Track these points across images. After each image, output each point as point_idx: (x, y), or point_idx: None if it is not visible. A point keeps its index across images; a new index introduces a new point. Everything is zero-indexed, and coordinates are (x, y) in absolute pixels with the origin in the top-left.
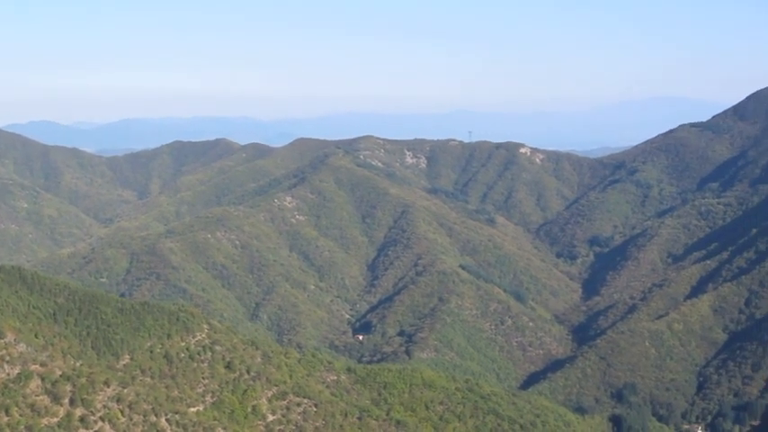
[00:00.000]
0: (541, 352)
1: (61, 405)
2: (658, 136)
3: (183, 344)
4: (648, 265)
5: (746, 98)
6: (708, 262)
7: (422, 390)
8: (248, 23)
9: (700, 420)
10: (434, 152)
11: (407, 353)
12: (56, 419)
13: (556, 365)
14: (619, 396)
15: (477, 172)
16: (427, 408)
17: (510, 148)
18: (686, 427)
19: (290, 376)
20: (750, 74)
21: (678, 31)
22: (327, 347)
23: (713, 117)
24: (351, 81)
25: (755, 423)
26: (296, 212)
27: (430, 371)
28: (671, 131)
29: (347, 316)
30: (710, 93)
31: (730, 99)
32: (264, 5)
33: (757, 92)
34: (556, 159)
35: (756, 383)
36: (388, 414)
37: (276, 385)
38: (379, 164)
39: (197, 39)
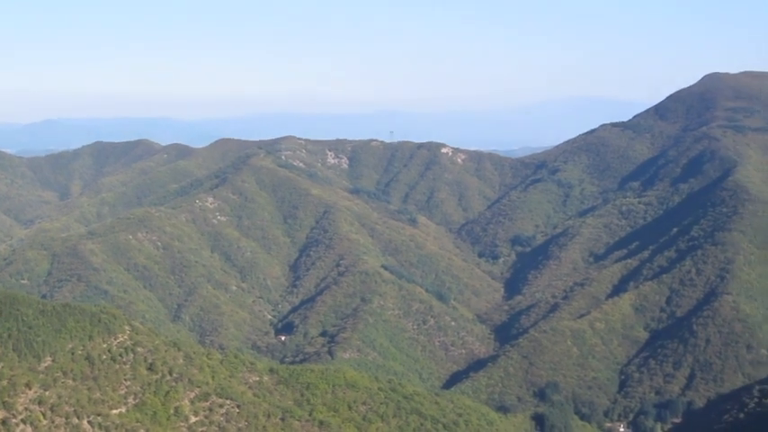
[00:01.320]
0: (464, 351)
1: None
2: (579, 136)
3: (105, 345)
4: (570, 264)
5: (667, 98)
6: (629, 261)
7: (345, 390)
8: (170, 23)
9: (622, 418)
10: (356, 152)
11: (330, 353)
12: None
13: (478, 365)
14: (541, 395)
15: (398, 172)
16: (350, 408)
17: (432, 149)
18: (608, 425)
19: (213, 377)
20: (670, 74)
21: (598, 31)
22: (250, 348)
23: (634, 117)
24: (273, 82)
25: (677, 421)
26: (217, 213)
27: (353, 371)
28: (592, 131)
29: (269, 317)
30: (631, 93)
31: (651, 99)
32: (185, 6)
33: (677, 92)
34: (477, 159)
35: (678, 381)
36: (310, 414)
37: (199, 386)
38: (301, 164)
39: (120, 39)
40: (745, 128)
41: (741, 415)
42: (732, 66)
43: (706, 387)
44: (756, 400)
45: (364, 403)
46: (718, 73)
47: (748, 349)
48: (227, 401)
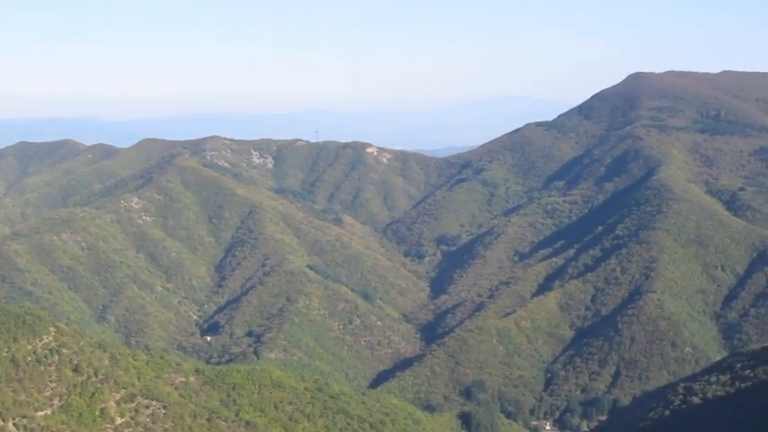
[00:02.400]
0: (390, 351)
1: None
2: (504, 135)
3: (30, 347)
4: (495, 263)
5: (591, 97)
6: (554, 260)
7: (271, 390)
8: (94, 24)
9: (548, 416)
10: (281, 152)
11: (256, 353)
12: None
13: (404, 364)
14: (467, 393)
15: (324, 172)
16: (276, 408)
17: (357, 148)
18: (534, 422)
19: (139, 378)
20: (596, 74)
21: (524, 31)
22: (176, 349)
23: (559, 116)
24: (198, 81)
25: (602, 418)
26: (142, 213)
27: (279, 371)
28: (517, 130)
29: (195, 317)
30: (557, 92)
31: (576, 99)
32: (111, 6)
33: (602, 91)
34: (403, 159)
35: (603, 379)
36: (237, 415)
37: (124, 388)
38: (226, 164)
39: (43, 39)
40: (669, 127)
41: (666, 412)
42: (656, 65)
43: (631, 385)
44: (681, 397)
45: (290, 403)
46: (643, 72)
47: (673, 347)
48: (154, 402)
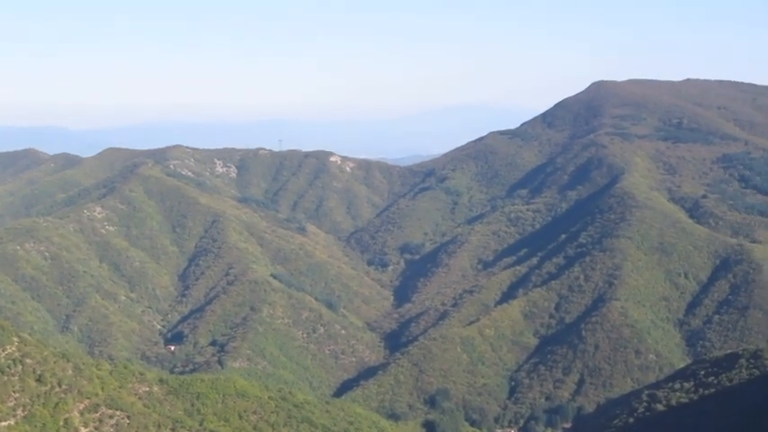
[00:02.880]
0: (354, 359)
1: None
2: (468, 143)
3: None
4: (459, 271)
5: (554, 106)
6: (518, 268)
7: (235, 399)
8: (56, 31)
9: (512, 424)
10: (245, 161)
11: (220, 363)
12: None
13: (369, 373)
14: (432, 402)
15: (287, 181)
16: (241, 417)
17: (320, 157)
18: (499, 430)
19: (102, 388)
20: (559, 82)
21: (483, 40)
22: (139, 359)
23: (522, 125)
24: (161, 90)
25: (567, 425)
26: (106, 223)
27: (243, 380)
28: (480, 139)
29: (159, 326)
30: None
31: (538, 107)
32: (71, 11)
33: (565, 99)
34: (366, 167)
35: (567, 387)
36: (201, 424)
37: (88, 398)
38: (189, 173)
39: (5, 47)
40: (631, 135)
41: (630, 419)
42: (618, 74)
43: (595, 392)
44: (645, 404)
45: (255, 412)
46: (605, 81)
47: (637, 354)
48: (117, 412)
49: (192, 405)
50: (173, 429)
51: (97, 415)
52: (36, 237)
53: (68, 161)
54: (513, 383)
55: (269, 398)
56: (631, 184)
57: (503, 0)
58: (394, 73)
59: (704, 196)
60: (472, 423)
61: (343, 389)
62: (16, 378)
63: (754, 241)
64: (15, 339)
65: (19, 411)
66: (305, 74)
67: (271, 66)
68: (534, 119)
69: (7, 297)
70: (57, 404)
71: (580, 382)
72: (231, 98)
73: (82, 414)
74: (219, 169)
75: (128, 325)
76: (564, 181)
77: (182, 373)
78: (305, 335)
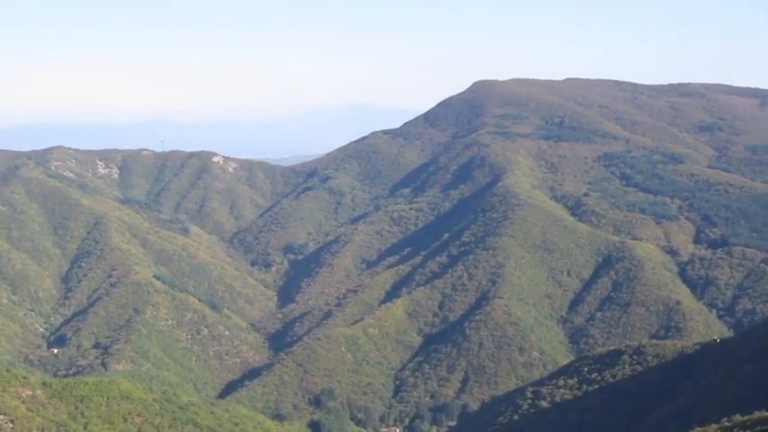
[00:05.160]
0: (238, 360)
1: None
2: (351, 143)
3: None
4: (343, 271)
5: (437, 105)
6: (401, 267)
7: (119, 402)
8: None
9: (398, 423)
10: (127, 162)
11: (103, 365)
12: None
13: (253, 373)
14: (317, 402)
15: (170, 181)
16: (125, 420)
17: (203, 157)
18: (384, 429)
19: None
20: (442, 82)
21: (366, 40)
22: (22, 362)
23: (404, 124)
24: (42, 91)
25: (452, 423)
26: None
27: (127, 383)
28: (363, 138)
29: (41, 329)
30: (403, 101)
31: (421, 107)
32: None
33: (447, 99)
34: (249, 168)
35: (452, 385)
36: (85, 428)
37: None
38: (72, 174)
39: None
40: (513, 134)
41: (515, 416)
42: (501, 73)
43: (480, 390)
44: (530, 401)
45: (139, 415)
46: (487, 80)
47: (521, 352)
48: (1, 416)
49: (76, 408)
50: None
51: None
52: None
53: None
54: (397, 382)
55: (153, 400)
56: (513, 183)
57: (384, 1)
58: (276, 74)
59: (586, 194)
60: (357, 422)
61: (228, 390)
62: None
63: (635, 239)
64: None
65: None
66: (187, 74)
67: (153, 66)
68: (416, 118)
69: None
70: None
71: (465, 381)
72: (113, 99)
73: None
74: (102, 170)
75: (10, 328)
76: (446, 180)
77: (65, 376)
78: (189, 336)
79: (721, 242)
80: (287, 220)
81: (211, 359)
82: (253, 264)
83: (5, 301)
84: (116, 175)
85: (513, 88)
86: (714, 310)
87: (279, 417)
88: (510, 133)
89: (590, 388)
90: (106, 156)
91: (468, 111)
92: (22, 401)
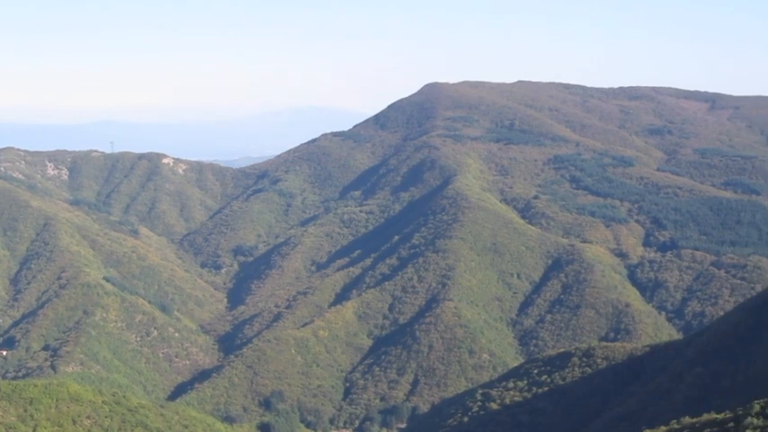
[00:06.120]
0: (188, 362)
1: None
2: (301, 145)
3: None
4: (293, 273)
5: (387, 107)
6: (351, 269)
7: (68, 404)
8: None
9: (347, 425)
10: (76, 163)
11: (53, 367)
12: None
13: (203, 375)
14: (267, 404)
15: (119, 183)
16: (74, 422)
17: (153, 159)
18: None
19: None
20: (393, 83)
21: (320, 42)
22: None
23: (355, 126)
24: None
25: (402, 426)
26: None
27: (76, 385)
28: (313, 141)
29: None
30: (352, 103)
31: (372, 109)
32: None
33: (398, 101)
34: (199, 170)
35: (402, 387)
36: (34, 430)
37: None
38: (20, 176)
39: None
40: (464, 137)
41: (465, 418)
42: (452, 75)
43: (430, 392)
44: (480, 403)
45: (89, 417)
46: (438, 83)
47: (470, 354)
48: None
49: (25, 410)
50: None
51: None
52: None
53: None
54: (347, 384)
55: (103, 402)
56: (464, 186)
57: (332, 4)
58: (224, 75)
59: (536, 197)
60: (307, 425)
61: (178, 392)
62: None
63: (585, 241)
64: None
65: None
66: (137, 75)
67: (102, 67)
68: (367, 120)
69: None
70: None
71: (414, 383)
72: (61, 100)
73: None
74: (51, 171)
75: None
76: (397, 182)
77: (14, 378)
78: (138, 338)
79: (670, 245)
80: (237, 222)
81: (161, 361)
82: (203, 266)
83: None
84: (66, 177)
85: (464, 91)
86: (663, 313)
87: (228, 419)
88: (460, 136)
89: (540, 390)
90: (56, 157)
91: (419, 113)
92: None
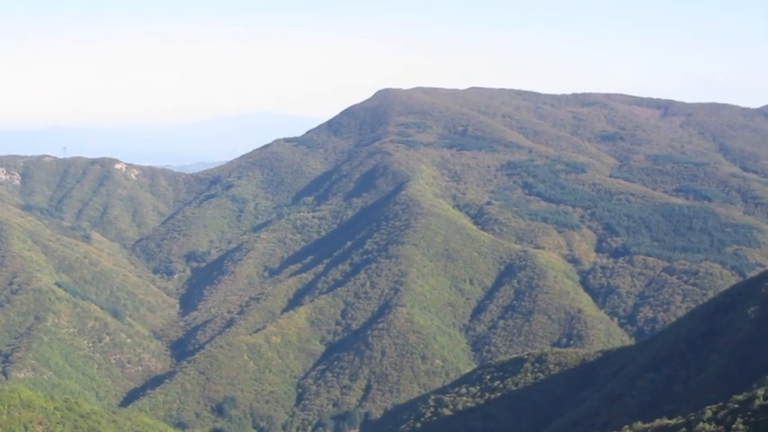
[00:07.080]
0: (140, 368)
1: None
2: (254, 151)
3: None
4: (245, 278)
5: (340, 113)
6: (304, 275)
7: (20, 410)
8: None
9: (300, 431)
10: (28, 168)
11: (4, 373)
12: None
13: (155, 381)
14: (219, 410)
15: (72, 188)
16: (26, 429)
17: (105, 164)
18: None
19: None
20: (344, 90)
21: (272, 46)
22: None
23: (308, 132)
24: None
25: (355, 431)
26: None
27: (28, 391)
28: (266, 146)
29: None
30: (304, 108)
31: (324, 114)
32: None
33: (351, 107)
34: (152, 175)
35: (354, 393)
36: None
37: None
38: None
39: None
40: (417, 142)
41: (418, 424)
42: (405, 81)
43: (383, 398)
44: (432, 409)
45: (41, 423)
46: (391, 89)
47: (423, 360)
48: None
49: None
50: None
51: None
52: None
53: None
54: (300, 390)
55: (54, 408)
56: (416, 191)
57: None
58: (177, 80)
59: (488, 203)
60: (260, 431)
61: (130, 398)
62: None
63: (537, 247)
64: None
65: None
66: (87, 79)
67: (53, 71)
68: (320, 126)
69: None
70: None
71: (367, 389)
72: (12, 104)
73: None
74: (2, 176)
75: None
76: (349, 188)
77: None
78: (90, 344)
79: (623, 251)
80: (189, 228)
81: (113, 367)
82: (155, 271)
83: None
84: (17, 182)
85: (417, 97)
86: (616, 319)
87: (181, 425)
88: (413, 142)
89: (492, 396)
90: (7, 162)
91: (372, 119)
92: None
